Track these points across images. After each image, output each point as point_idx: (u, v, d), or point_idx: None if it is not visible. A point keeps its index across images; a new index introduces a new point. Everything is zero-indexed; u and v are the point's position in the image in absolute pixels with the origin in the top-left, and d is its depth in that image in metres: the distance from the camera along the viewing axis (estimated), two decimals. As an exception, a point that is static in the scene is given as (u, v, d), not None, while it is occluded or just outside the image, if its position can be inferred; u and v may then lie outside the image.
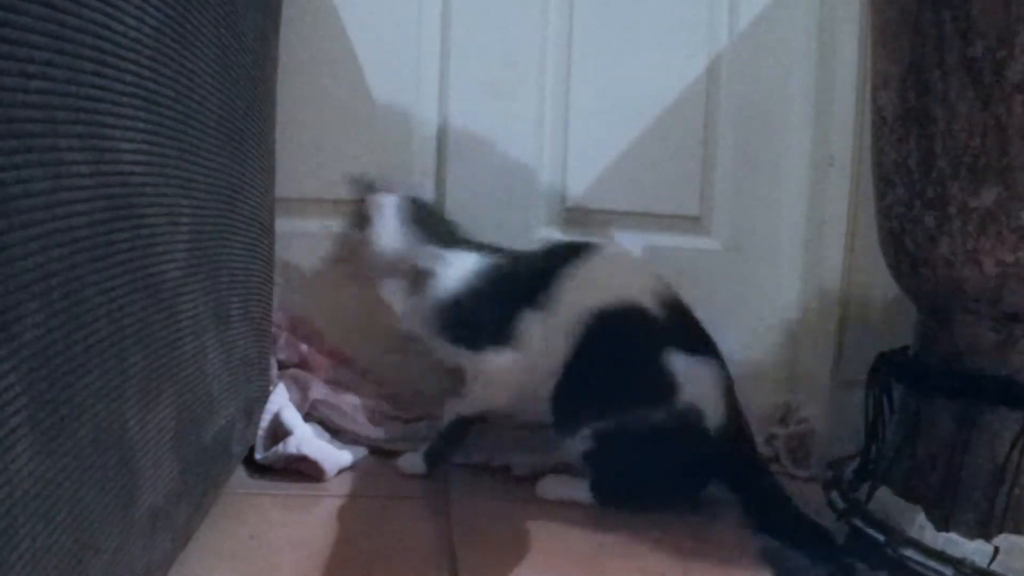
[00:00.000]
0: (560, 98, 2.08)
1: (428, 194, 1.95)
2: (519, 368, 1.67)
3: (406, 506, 1.59)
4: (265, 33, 1.55)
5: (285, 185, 1.86)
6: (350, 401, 1.86)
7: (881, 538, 1.36)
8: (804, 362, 2.08)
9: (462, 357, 1.72)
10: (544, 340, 1.65)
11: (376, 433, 1.83)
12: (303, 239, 2.00)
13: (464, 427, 1.77)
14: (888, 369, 1.52)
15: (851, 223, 2.04)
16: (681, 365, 1.61)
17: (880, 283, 1.73)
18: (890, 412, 1.51)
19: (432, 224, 1.81)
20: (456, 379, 1.78)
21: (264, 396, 1.70)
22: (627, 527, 1.55)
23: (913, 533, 1.32)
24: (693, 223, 2.12)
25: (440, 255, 1.74)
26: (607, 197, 2.09)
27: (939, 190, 1.31)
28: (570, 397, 1.64)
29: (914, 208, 1.36)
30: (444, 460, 1.77)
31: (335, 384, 1.91)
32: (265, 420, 1.68)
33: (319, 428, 1.78)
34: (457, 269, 1.73)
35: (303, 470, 1.65)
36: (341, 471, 1.71)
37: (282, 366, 1.88)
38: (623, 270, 1.74)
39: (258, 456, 1.66)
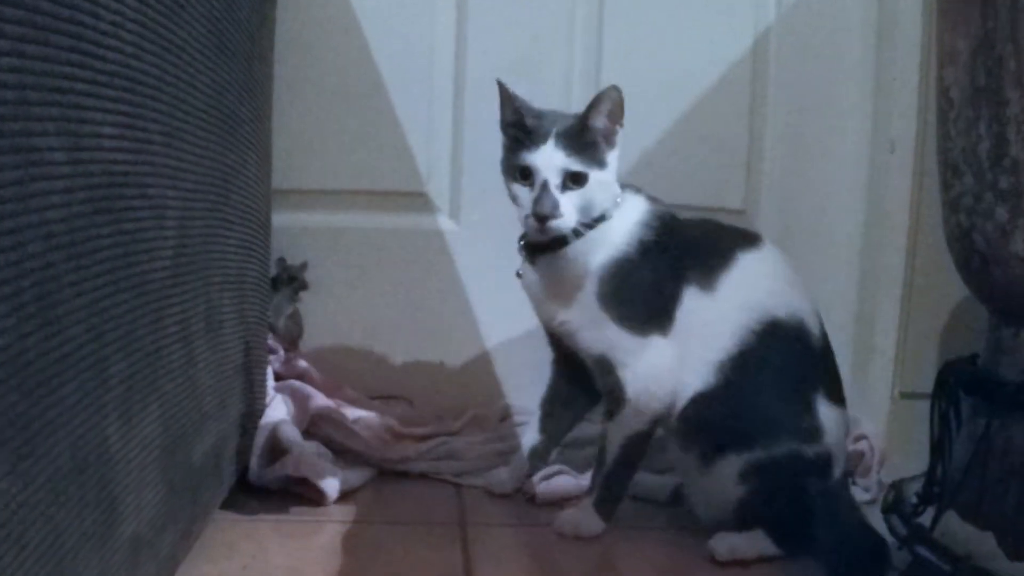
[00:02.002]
0: (590, 77, 2.08)
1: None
2: (677, 363, 1.57)
3: (418, 533, 1.58)
4: (261, 5, 1.55)
5: (283, 175, 1.86)
6: (355, 416, 1.86)
7: (947, 568, 1.35)
8: (862, 373, 2.07)
9: (619, 343, 1.57)
10: (705, 330, 1.55)
11: (385, 452, 1.82)
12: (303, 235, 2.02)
13: (643, 447, 1.62)
14: (955, 380, 1.51)
15: (914, 217, 2.02)
16: (826, 410, 1.56)
17: (946, 284, 1.71)
18: (957, 428, 1.50)
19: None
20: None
21: (259, 410, 1.70)
22: (657, 550, 1.56)
23: (983, 563, 1.32)
24: (738, 217, 2.11)
25: (619, 195, 1.60)
26: (642, 187, 2.09)
27: (1013, 180, 1.30)
28: (720, 412, 1.54)
29: (984, 200, 1.35)
30: (620, 501, 1.65)
31: (338, 397, 1.91)
32: (260, 437, 1.67)
33: (320, 446, 1.77)
34: (628, 218, 1.59)
35: (302, 493, 1.65)
36: (345, 494, 1.69)
37: (279, 377, 1.88)
38: (793, 279, 1.62)
39: (252, 477, 1.65)
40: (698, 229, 1.63)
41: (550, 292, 1.60)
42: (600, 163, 1.54)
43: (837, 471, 1.57)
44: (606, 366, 1.57)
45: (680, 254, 1.58)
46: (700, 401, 1.55)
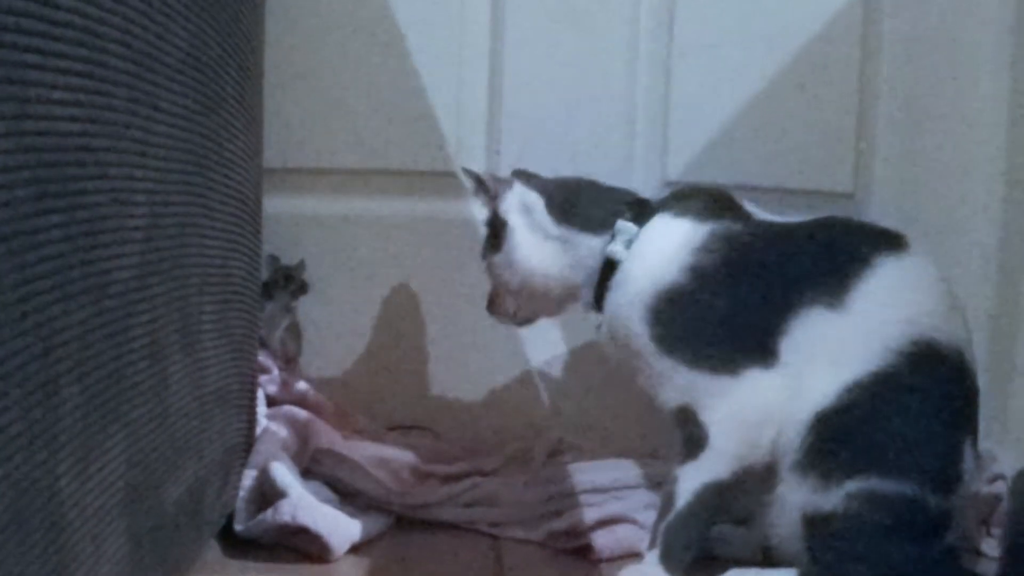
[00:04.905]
0: (660, 30, 2.07)
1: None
2: (788, 396, 1.55)
3: (445, 596, 1.58)
4: (250, -59, 1.55)
5: (277, 152, 1.87)
6: (366, 451, 1.86)
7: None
8: (999, 395, 2.05)
9: (699, 385, 1.59)
10: (831, 350, 1.53)
11: (404, 496, 1.82)
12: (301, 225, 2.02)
13: (719, 500, 1.61)
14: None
15: (1066, 202, 2.01)
16: (970, 461, 1.54)
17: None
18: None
19: (591, 203, 1.74)
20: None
21: (247, 444, 1.70)
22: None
23: None
24: (845, 202, 2.10)
25: (625, 231, 1.67)
26: (723, 167, 2.08)
27: None
28: (841, 432, 1.52)
29: None
30: (692, 553, 1.63)
31: (346, 428, 1.91)
32: (249, 477, 1.68)
33: (324, 488, 1.77)
34: (662, 246, 1.63)
35: (301, 546, 1.64)
36: (355, 547, 1.68)
37: (273, 402, 1.88)
38: (953, 302, 1.62)
39: (239, 527, 1.65)
40: (810, 233, 1.62)
41: (619, 355, 1.69)
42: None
43: (952, 536, 1.53)
44: (688, 416, 1.59)
45: (784, 270, 1.58)
46: (823, 420, 1.52)
